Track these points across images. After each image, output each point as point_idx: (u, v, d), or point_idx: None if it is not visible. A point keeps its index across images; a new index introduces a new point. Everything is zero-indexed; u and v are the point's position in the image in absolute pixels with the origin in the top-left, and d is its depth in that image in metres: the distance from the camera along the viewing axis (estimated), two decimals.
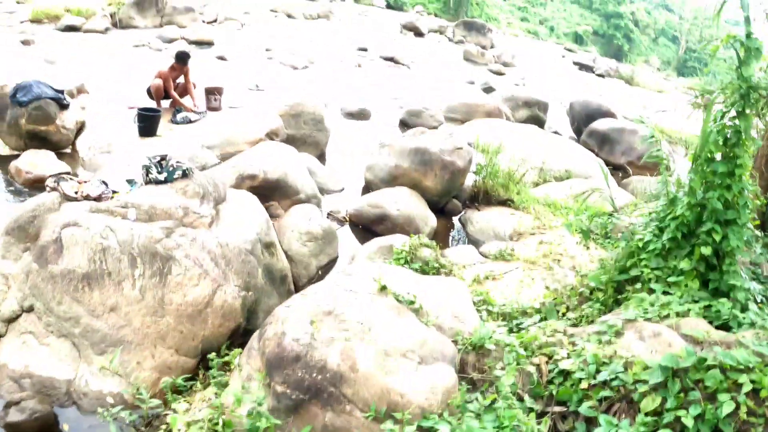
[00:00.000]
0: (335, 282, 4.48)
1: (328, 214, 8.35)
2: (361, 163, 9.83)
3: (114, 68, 14.61)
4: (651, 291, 4.78)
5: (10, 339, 5.03)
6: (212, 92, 9.71)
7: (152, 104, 9.54)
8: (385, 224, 7.99)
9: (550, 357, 4.18)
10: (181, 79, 9.89)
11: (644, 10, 70.96)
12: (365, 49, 24.60)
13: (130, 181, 5.67)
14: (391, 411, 3.52)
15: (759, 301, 4.70)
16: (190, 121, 9.16)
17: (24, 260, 5.26)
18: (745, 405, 3.31)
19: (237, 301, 5.01)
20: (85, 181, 5.74)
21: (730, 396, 3.34)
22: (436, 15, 56.26)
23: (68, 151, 8.91)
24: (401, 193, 8.34)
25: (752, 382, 3.38)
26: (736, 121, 4.59)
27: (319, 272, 7.06)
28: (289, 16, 33.20)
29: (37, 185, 7.62)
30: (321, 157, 10.47)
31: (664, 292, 4.71)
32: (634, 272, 5.10)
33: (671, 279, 4.76)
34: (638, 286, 4.98)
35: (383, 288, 4.40)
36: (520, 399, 3.89)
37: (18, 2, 27.01)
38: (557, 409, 3.85)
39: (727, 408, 3.29)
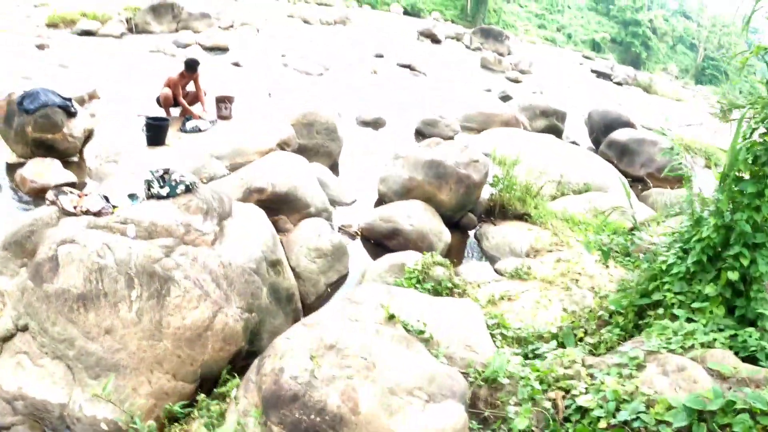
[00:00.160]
0: (340, 310, 4.21)
1: (340, 227, 8.09)
2: (374, 173, 9.56)
3: (127, 74, 14.52)
4: (674, 317, 4.53)
5: (5, 359, 4.83)
6: (223, 101, 9.48)
7: (161, 113, 9.33)
8: (398, 239, 7.71)
9: (567, 391, 3.90)
10: (191, 87, 9.68)
11: (662, 17, 70.41)
12: (381, 56, 24.42)
13: (132, 196, 5.46)
14: None
15: None
16: (200, 131, 8.93)
17: (20, 277, 5.07)
18: None
19: (239, 324, 4.76)
20: (86, 195, 5.54)
21: None
22: (453, 22, 56.16)
23: (75, 159, 8.77)
24: (415, 207, 8.06)
25: None
26: (767, 138, 4.31)
27: (328, 289, 6.81)
28: (305, 21, 33.13)
29: (41, 195, 7.41)
30: (334, 168, 10.22)
31: (688, 319, 4.45)
32: (656, 296, 4.85)
33: (695, 305, 4.49)
34: (660, 311, 4.72)
35: (391, 317, 4.13)
36: None
37: (36, 6, 27.15)
38: None
39: None
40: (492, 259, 8.07)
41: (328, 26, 33.54)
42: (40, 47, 17.14)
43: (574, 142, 15.93)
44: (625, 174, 12.97)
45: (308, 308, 6.40)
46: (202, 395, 4.47)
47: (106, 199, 5.41)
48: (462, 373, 4.00)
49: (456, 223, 8.74)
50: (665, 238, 5.58)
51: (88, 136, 9.04)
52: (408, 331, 4.12)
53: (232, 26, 25.84)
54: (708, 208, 4.89)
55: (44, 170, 7.89)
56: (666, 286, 4.78)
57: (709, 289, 4.43)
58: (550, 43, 61.22)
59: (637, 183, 13.08)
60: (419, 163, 8.51)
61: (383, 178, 9.08)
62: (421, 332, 4.16)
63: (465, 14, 59.94)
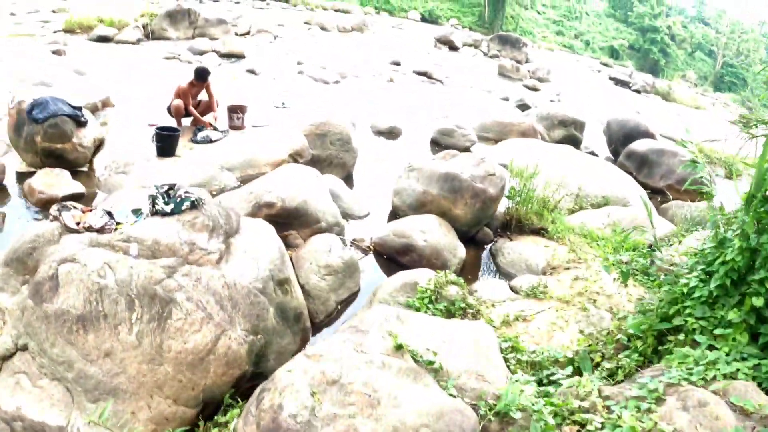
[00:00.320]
0: (345, 340, 4.01)
1: (352, 241, 7.90)
2: (389, 184, 9.35)
3: (142, 81, 14.47)
4: (695, 343, 4.30)
5: (4, 378, 4.68)
6: (235, 110, 9.36)
7: (172, 122, 9.22)
8: (411, 255, 7.50)
9: (582, 425, 3.68)
10: (204, 96, 9.56)
11: (680, 24, 69.97)
12: (398, 64, 24.29)
13: (136, 211, 5.29)
14: None
15: None
16: (211, 141, 8.81)
17: (21, 294, 4.92)
18: None
19: (243, 347, 4.57)
20: (90, 210, 5.39)
21: None
22: (470, 29, 56.14)
23: (85, 169, 8.65)
24: (429, 222, 7.84)
25: None
26: None
27: (339, 307, 6.62)
28: (322, 28, 33.14)
29: (49, 206, 7.26)
30: (347, 179, 10.04)
31: (710, 346, 4.21)
32: (677, 321, 4.60)
33: (718, 331, 4.24)
34: (681, 336, 4.48)
35: (399, 347, 3.93)
36: None
37: (54, 11, 27.33)
38: None
39: None
40: (507, 276, 7.86)
41: (345, 33, 33.52)
42: (57, 53, 17.16)
43: (592, 153, 15.69)
44: (645, 186, 12.71)
45: (317, 327, 6.25)
46: (203, 422, 4.30)
47: (110, 215, 5.25)
48: (472, 405, 3.80)
49: (471, 238, 8.52)
50: (687, 259, 5.35)
51: (99, 145, 8.93)
52: (417, 361, 3.91)
53: (248, 33, 25.86)
54: (732, 228, 4.66)
55: (53, 181, 7.78)
56: (687, 311, 4.55)
57: (733, 315, 4.19)
58: (567, 50, 61.04)
59: (657, 195, 12.78)
60: (434, 176, 8.30)
61: (397, 190, 8.88)
62: (431, 363, 3.95)
63: (482, 21, 59.81)
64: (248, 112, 9.60)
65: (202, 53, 19.58)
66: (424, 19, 56.28)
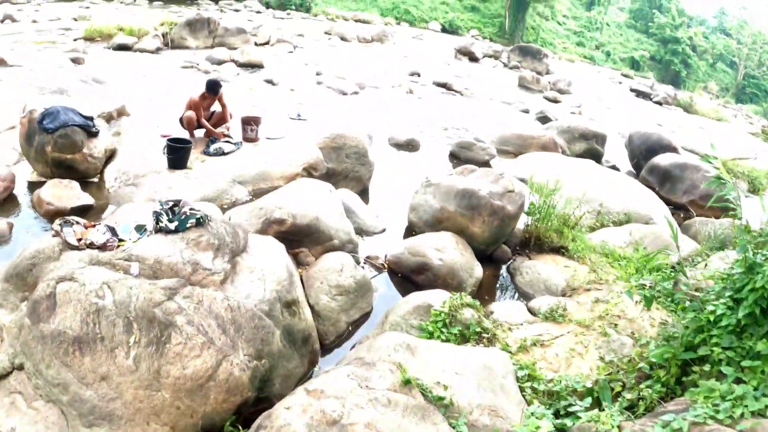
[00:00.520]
0: (349, 374, 3.77)
1: (366, 259, 7.66)
2: (406, 199, 9.11)
3: (159, 90, 14.39)
4: (721, 375, 4.05)
5: (0, 397, 4.50)
6: (249, 122, 9.17)
7: (185, 134, 9.06)
8: (426, 275, 7.25)
9: None
10: (217, 107, 9.40)
11: (702, 35, 69.35)
12: (418, 75, 24.11)
13: (140, 228, 5.10)
14: None
15: None
16: (224, 153, 8.63)
17: (20, 312, 4.75)
18: None
19: (245, 373, 4.35)
20: (93, 225, 5.21)
21: None
22: (491, 39, 56.05)
23: (96, 180, 8.50)
24: (445, 240, 7.59)
25: None
26: None
27: (350, 328, 6.38)
28: (343, 39, 33.12)
29: (57, 217, 7.18)
30: (363, 193, 9.80)
31: (737, 379, 3.95)
32: (702, 351, 4.34)
33: (746, 363, 3.99)
34: (707, 367, 4.23)
35: (407, 382, 3.69)
36: None
37: (75, 19, 27.53)
38: None
39: None
40: (525, 296, 7.59)
41: (365, 43, 33.44)
42: (76, 61, 17.17)
43: (613, 167, 15.37)
44: (667, 201, 12.38)
45: (327, 349, 6.03)
46: None
47: (113, 231, 5.07)
48: None
49: (489, 256, 8.26)
50: (712, 283, 5.08)
51: (111, 156, 8.80)
52: (426, 396, 3.67)
53: (268, 43, 25.83)
54: (762, 252, 4.39)
55: (61, 192, 7.63)
56: (713, 340, 4.30)
57: (762, 346, 3.95)
58: (588, 61, 60.74)
59: (679, 211, 12.45)
60: (451, 192, 8.06)
61: (413, 206, 8.64)
62: (441, 398, 3.71)
63: (503, 32, 59.69)
64: (262, 123, 9.41)
65: (220, 63, 19.50)
66: (444, 30, 56.25)
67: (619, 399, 4.61)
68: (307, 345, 5.45)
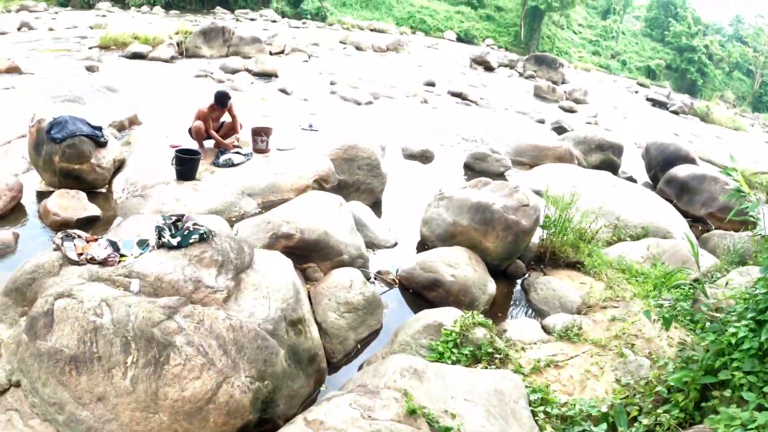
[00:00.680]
0: (351, 403, 3.59)
1: (376, 274, 7.47)
2: (419, 212, 8.92)
3: (171, 99, 14.33)
4: (743, 401, 3.84)
5: None
6: (259, 133, 9.04)
7: (194, 144, 8.94)
8: (438, 291, 7.04)
9: None
10: (227, 117, 9.28)
11: (718, 43, 68.92)
12: (433, 84, 23.96)
13: (142, 243, 4.98)
14: None
15: None
16: (233, 164, 8.50)
17: (18, 327, 4.64)
18: None
19: (246, 396, 4.17)
20: (95, 239, 5.08)
21: None
22: (506, 49, 56.07)
23: (104, 191, 8.39)
24: (457, 256, 7.38)
25: None
26: None
27: (358, 346, 6.18)
28: (358, 48, 33.11)
29: (63, 228, 7.08)
30: (375, 206, 9.62)
31: (759, 406, 3.74)
32: (723, 375, 4.13)
33: None
34: (727, 392, 4.04)
35: (412, 411, 3.51)
36: None
37: (91, 27, 27.67)
38: None
39: None
40: (540, 313, 7.38)
41: (380, 53, 33.39)
42: (90, 69, 17.20)
43: (630, 178, 15.14)
44: (685, 214, 12.12)
45: (334, 367, 5.84)
46: None
47: (114, 245, 4.93)
48: None
49: (503, 271, 8.05)
50: (734, 302, 4.86)
51: (119, 166, 8.69)
52: (432, 426, 3.48)
53: (283, 52, 25.80)
54: None
55: (68, 203, 7.52)
56: (735, 363, 4.10)
57: None
58: (604, 70, 60.55)
59: (697, 223, 12.17)
60: (464, 206, 7.86)
61: (426, 220, 8.45)
62: (448, 429, 3.52)
63: (518, 41, 59.67)
64: (273, 134, 9.27)
65: (234, 72, 19.45)
66: (460, 39, 56.27)
67: (636, 424, 4.43)
68: (313, 364, 5.28)
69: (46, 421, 4.21)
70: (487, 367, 5.37)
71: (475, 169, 12.93)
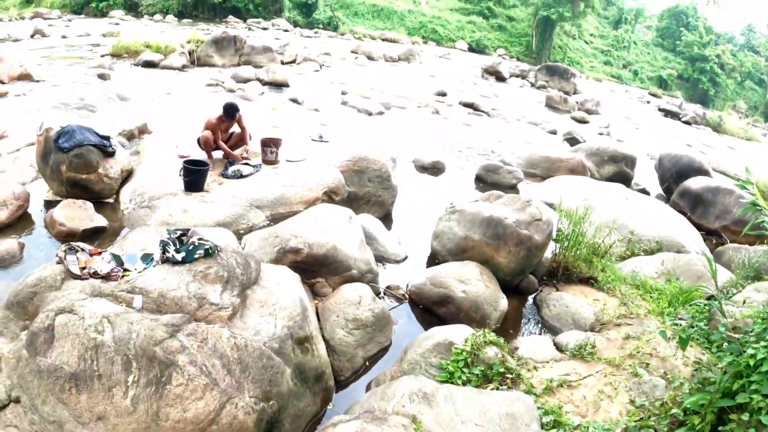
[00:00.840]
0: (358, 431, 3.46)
1: (386, 289, 7.33)
2: (430, 225, 8.77)
3: (181, 107, 14.28)
4: (761, 425, 3.73)
5: None
6: (268, 144, 8.93)
7: (203, 155, 8.86)
8: (448, 307, 6.89)
9: None
10: (236, 128, 9.19)
11: (730, 52, 68.50)
12: (444, 94, 23.85)
13: (147, 257, 4.86)
14: None
15: None
16: (242, 176, 8.39)
17: (19, 342, 4.53)
18: None
19: (250, 417, 4.04)
20: (98, 253, 4.98)
21: None
22: (518, 59, 56.06)
23: (111, 201, 8.30)
24: (469, 271, 7.23)
25: None
26: None
27: (366, 363, 6.03)
28: (369, 57, 33.10)
29: (69, 239, 7.02)
30: (386, 218, 9.50)
31: None
32: (741, 398, 3.99)
33: None
34: (745, 416, 3.90)
35: None
36: None
37: (104, 35, 27.79)
38: None
39: None
40: (552, 330, 7.22)
41: (392, 63, 33.34)
42: (102, 77, 17.21)
43: (643, 190, 14.96)
44: (699, 227, 11.92)
45: (341, 385, 5.71)
46: None
47: (118, 259, 4.82)
48: None
49: (515, 287, 7.90)
50: (753, 322, 4.71)
51: (128, 176, 8.61)
52: None
53: (294, 61, 25.77)
54: None
55: (75, 213, 7.43)
56: (753, 386, 3.96)
57: None
58: (616, 80, 60.38)
59: (711, 236, 11.96)
60: (476, 220, 7.70)
61: (437, 233, 8.30)
62: None
63: (530, 51, 59.61)
64: (283, 145, 9.17)
65: (245, 81, 19.39)
66: (471, 49, 56.27)
67: None
68: (320, 382, 5.15)
69: None
70: (498, 388, 5.23)
71: (486, 181, 12.79)
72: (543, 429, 4.55)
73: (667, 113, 37.13)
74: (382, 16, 59.02)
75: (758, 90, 70.09)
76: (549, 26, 58.81)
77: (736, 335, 4.64)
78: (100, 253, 4.97)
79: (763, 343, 4.11)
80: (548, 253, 8.27)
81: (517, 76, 37.33)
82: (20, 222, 7.62)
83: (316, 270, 6.55)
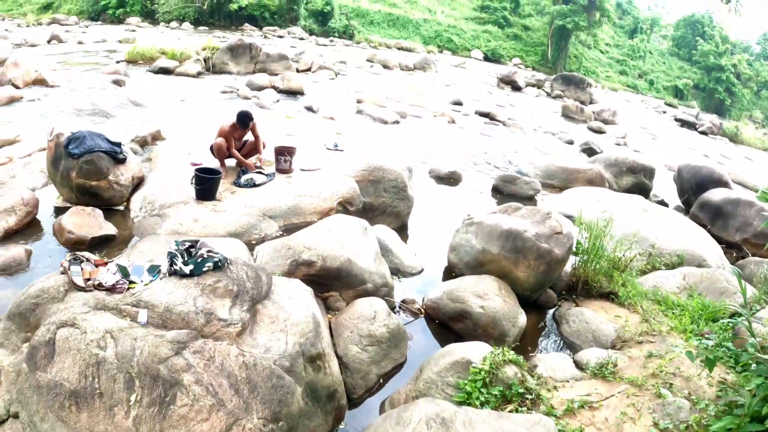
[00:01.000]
0: None
1: (401, 303, 7.09)
2: (446, 236, 8.54)
3: (195, 114, 14.19)
4: None
5: None
6: (282, 152, 8.75)
7: (216, 162, 8.70)
8: (466, 323, 6.65)
9: None
10: (249, 136, 9.03)
11: (746, 62, 67.84)
12: (460, 104, 23.65)
13: (153, 269, 4.67)
14: None
15: None
16: (255, 185, 8.22)
17: (19, 355, 4.36)
18: None
19: None
20: (104, 263, 4.80)
21: None
22: (533, 68, 55.85)
23: (121, 208, 8.15)
24: (487, 286, 6.98)
25: None
26: None
27: (380, 380, 5.81)
28: (385, 66, 33.00)
29: (77, 247, 6.88)
30: (401, 230, 9.28)
31: None
32: None
33: None
34: None
35: None
36: None
37: (120, 41, 27.88)
38: None
39: None
40: (572, 347, 6.97)
41: (407, 71, 33.20)
42: (117, 83, 17.18)
43: (661, 202, 14.66)
44: (719, 239, 11.60)
45: (354, 403, 5.48)
46: None
47: (124, 271, 4.64)
48: None
49: (533, 302, 7.65)
50: None
51: (138, 183, 8.47)
52: None
53: (310, 69, 25.67)
54: None
55: (83, 220, 7.28)
56: None
57: None
58: (631, 90, 60.08)
59: (732, 250, 11.66)
60: (494, 233, 7.46)
61: (454, 246, 8.07)
62: None
63: (545, 60, 59.38)
64: (297, 154, 8.99)
65: (260, 88, 19.29)
66: (486, 58, 56.15)
67: None
68: (332, 401, 4.94)
69: None
70: (517, 409, 5.02)
71: (504, 192, 12.57)
72: None
73: (684, 123, 36.84)
74: (397, 25, 58.99)
75: None
76: (564, 35, 58.58)
77: (765, 355, 4.42)
78: (105, 263, 4.80)
79: None
80: (567, 267, 8.03)
81: (533, 85, 37.11)
82: (29, 228, 7.50)
83: (330, 283, 6.34)
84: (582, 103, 30.48)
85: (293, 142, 9.85)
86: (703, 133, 34.00)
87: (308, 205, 7.98)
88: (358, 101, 19.72)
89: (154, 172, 8.71)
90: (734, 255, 11.39)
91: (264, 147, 9.06)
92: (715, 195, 13.11)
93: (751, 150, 31.29)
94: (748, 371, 4.84)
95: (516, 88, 34.49)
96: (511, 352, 5.57)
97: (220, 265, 4.53)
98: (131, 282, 4.54)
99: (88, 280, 4.53)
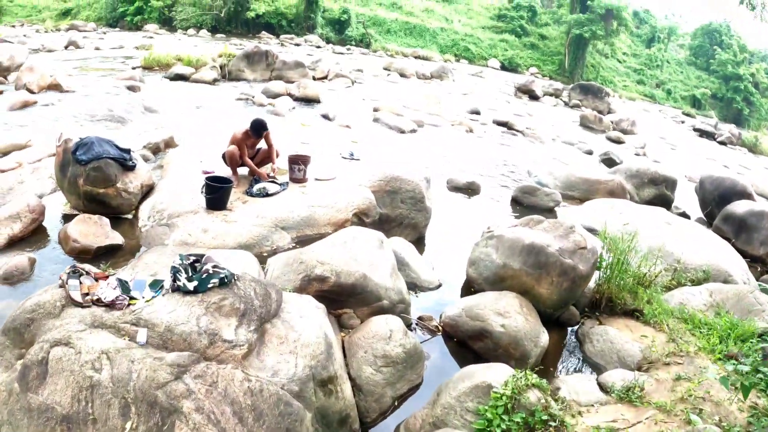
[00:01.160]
0: None
1: (418, 320, 6.78)
2: (465, 250, 8.24)
3: (210, 121, 14.01)
4: None
5: None
6: (296, 161, 8.47)
7: (227, 171, 8.46)
8: (486, 342, 6.31)
9: None
10: (262, 144, 8.78)
11: (764, 71, 66.91)
12: (477, 113, 23.34)
13: (156, 284, 4.40)
14: None
15: None
16: (268, 194, 7.95)
17: (12, 373, 4.09)
18: None
19: None
20: (105, 277, 4.54)
21: None
22: (550, 77, 55.54)
23: (129, 217, 7.91)
24: (508, 303, 6.63)
25: None
26: None
27: (395, 403, 5.50)
28: (402, 75, 32.80)
29: (83, 256, 6.68)
30: (418, 242, 8.98)
31: None
32: None
33: None
34: None
35: None
36: None
37: (137, 48, 27.88)
38: None
39: None
40: (596, 368, 6.64)
41: (424, 80, 32.97)
42: (132, 89, 17.06)
43: (683, 214, 14.23)
44: (743, 253, 11.19)
45: (367, 427, 5.17)
46: None
47: (124, 286, 4.37)
48: None
49: (555, 319, 7.32)
50: None
51: (148, 191, 8.24)
52: None
53: (326, 77, 25.50)
54: None
55: (89, 229, 7.04)
56: None
57: None
58: (649, 100, 59.60)
59: (756, 264, 11.26)
60: (516, 247, 7.13)
61: (473, 260, 7.74)
62: None
63: (562, 69, 59.04)
64: (312, 163, 8.71)
65: (276, 96, 19.08)
66: (503, 68, 55.90)
67: None
68: (344, 426, 4.65)
69: None
70: None
71: (523, 203, 12.24)
72: None
73: (702, 133, 36.39)
74: (414, 33, 58.82)
75: None
76: (582, 45, 58.17)
77: None
78: (106, 277, 4.53)
79: None
80: (591, 283, 7.69)
81: (551, 94, 36.72)
82: (34, 236, 7.30)
83: (344, 300, 6.03)
84: (600, 112, 30.08)
85: (308, 150, 9.59)
86: (722, 143, 33.53)
87: (322, 216, 7.70)
88: (375, 110, 19.46)
89: (165, 180, 8.48)
90: (758, 269, 11.04)
91: (278, 156, 8.80)
92: (738, 207, 12.71)
93: None
94: None
95: (533, 97, 34.15)
96: (534, 375, 5.25)
97: (226, 282, 4.25)
98: (132, 298, 4.27)
99: (87, 294, 4.27)
